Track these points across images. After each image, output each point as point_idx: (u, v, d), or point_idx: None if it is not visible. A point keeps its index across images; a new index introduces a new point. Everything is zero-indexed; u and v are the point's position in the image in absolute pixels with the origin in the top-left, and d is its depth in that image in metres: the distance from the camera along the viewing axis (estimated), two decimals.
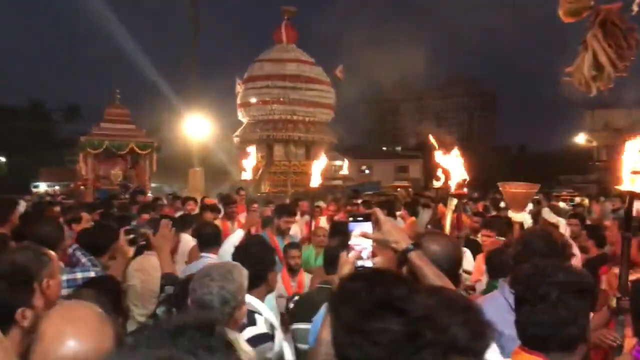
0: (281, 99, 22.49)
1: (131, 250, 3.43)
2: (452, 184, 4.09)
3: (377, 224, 1.85)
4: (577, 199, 18.79)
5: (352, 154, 61.91)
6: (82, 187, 17.57)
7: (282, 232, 5.77)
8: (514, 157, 59.52)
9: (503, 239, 5.46)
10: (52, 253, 2.40)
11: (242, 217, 7.47)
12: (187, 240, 5.25)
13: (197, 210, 8.35)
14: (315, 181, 7.27)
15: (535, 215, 8.98)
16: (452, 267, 2.02)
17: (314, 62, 23.57)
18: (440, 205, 8.46)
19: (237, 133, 24.11)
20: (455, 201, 5.25)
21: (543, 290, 1.59)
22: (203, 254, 4.16)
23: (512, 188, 4.48)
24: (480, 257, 5.03)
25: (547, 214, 6.32)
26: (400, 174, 53.14)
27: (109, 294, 2.78)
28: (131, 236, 3.39)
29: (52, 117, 55.46)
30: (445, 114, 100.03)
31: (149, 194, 16.87)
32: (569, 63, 2.66)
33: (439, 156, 4.00)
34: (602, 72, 2.37)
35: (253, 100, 22.98)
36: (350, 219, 1.88)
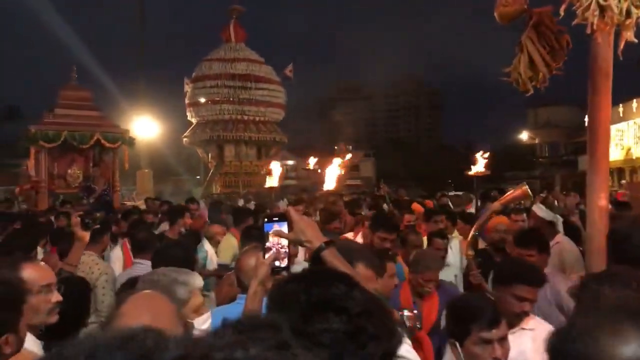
0: (231, 99, 22.29)
1: (87, 235, 3.41)
2: None
3: (290, 224, 1.81)
4: None
5: (304, 154, 62.04)
6: (32, 191, 13.12)
7: None
8: (460, 156, 61.09)
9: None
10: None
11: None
12: None
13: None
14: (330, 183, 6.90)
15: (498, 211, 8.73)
16: None
17: (264, 61, 23.47)
18: (415, 204, 8.26)
19: (186, 134, 23.74)
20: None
21: None
22: (137, 261, 3.93)
23: None
24: None
25: (541, 210, 5.22)
26: (351, 173, 53.58)
27: (76, 294, 2.72)
28: (86, 221, 3.38)
29: None
30: (394, 113, 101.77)
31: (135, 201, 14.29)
32: (509, 63, 2.76)
33: None
34: (537, 71, 2.49)
35: (202, 100, 22.69)
36: (266, 219, 1.84)
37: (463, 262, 4.81)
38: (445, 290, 3.63)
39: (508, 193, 4.71)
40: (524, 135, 47.65)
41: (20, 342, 1.71)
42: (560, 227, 5.31)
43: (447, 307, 2.32)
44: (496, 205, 4.48)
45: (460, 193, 17.20)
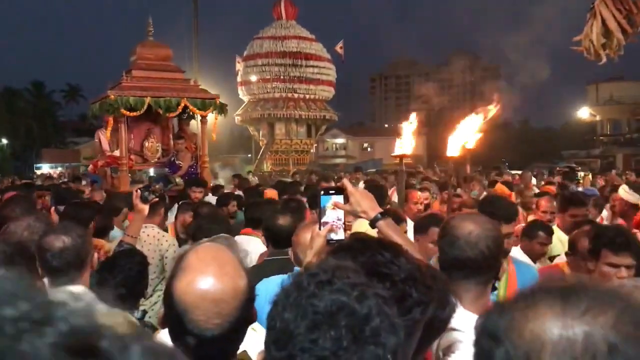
0: (281, 77, 22.33)
1: (146, 209, 3.51)
2: None
3: (346, 196, 1.83)
4: (581, 174, 18.70)
5: (354, 132, 61.89)
6: (107, 168, 10.81)
7: None
8: (517, 133, 59.31)
9: None
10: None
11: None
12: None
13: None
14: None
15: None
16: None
17: (314, 39, 23.33)
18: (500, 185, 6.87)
19: (238, 112, 24.00)
20: None
21: None
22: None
23: None
24: None
25: (625, 192, 4.42)
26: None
27: (136, 266, 2.81)
28: (145, 193, 3.48)
29: (53, 97, 55.36)
30: (448, 90, 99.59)
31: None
32: (576, 33, 2.57)
33: None
34: (611, 39, 2.28)
35: (253, 78, 22.83)
36: (322, 192, 1.85)
37: None
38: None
39: None
40: (585, 113, 45.65)
41: None
42: None
43: None
44: None
45: (517, 172, 16.63)
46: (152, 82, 10.77)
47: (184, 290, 1.26)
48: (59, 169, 37.06)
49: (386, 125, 64.30)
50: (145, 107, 10.09)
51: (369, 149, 56.05)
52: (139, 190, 3.57)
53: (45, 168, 40.15)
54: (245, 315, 1.29)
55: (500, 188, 6.67)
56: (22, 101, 47.88)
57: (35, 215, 2.95)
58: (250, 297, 1.32)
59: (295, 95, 22.62)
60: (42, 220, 2.77)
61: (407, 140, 3.82)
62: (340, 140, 56.35)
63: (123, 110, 9.95)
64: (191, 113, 10.86)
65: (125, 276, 2.73)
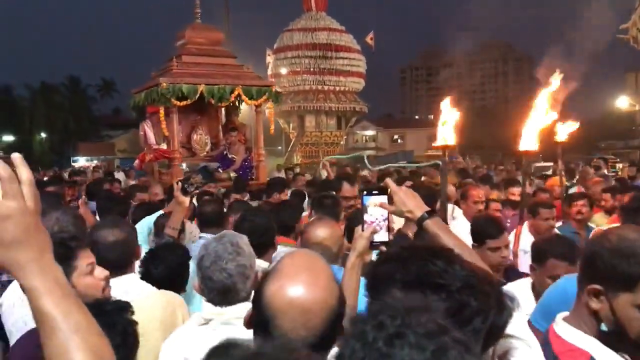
0: (311, 69, 22.30)
1: (187, 200, 3.56)
2: None
3: (390, 196, 1.76)
4: (619, 166, 18.11)
5: (384, 124, 61.45)
6: (155, 163, 9.83)
7: None
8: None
9: None
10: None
11: None
12: None
13: None
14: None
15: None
16: None
17: (344, 30, 23.20)
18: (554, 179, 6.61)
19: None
20: None
21: None
22: (202, 234, 3.80)
23: None
24: None
25: None
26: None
27: (176, 259, 2.82)
28: (185, 186, 3.54)
29: (88, 92, 56.55)
30: (480, 80, 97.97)
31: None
32: (619, 21, 2.45)
33: None
34: None
35: (283, 71, 22.85)
36: (365, 192, 1.80)
37: None
38: None
39: None
40: (623, 102, 44.23)
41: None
42: None
43: None
44: None
45: (549, 164, 16.23)
46: (204, 68, 9.75)
47: (273, 294, 1.23)
48: (95, 161, 37.88)
49: (417, 117, 63.65)
50: (197, 95, 9.10)
51: (399, 141, 55.64)
52: (179, 183, 3.61)
53: (81, 161, 41.13)
54: (331, 334, 1.22)
55: (554, 182, 6.23)
56: (59, 96, 49.02)
57: (62, 209, 3.02)
58: (339, 314, 1.25)
59: (325, 88, 22.59)
60: (69, 213, 2.87)
61: (450, 129, 2.97)
62: (370, 132, 56.05)
63: (174, 100, 8.90)
64: (237, 103, 10.08)
65: (166, 267, 2.75)
